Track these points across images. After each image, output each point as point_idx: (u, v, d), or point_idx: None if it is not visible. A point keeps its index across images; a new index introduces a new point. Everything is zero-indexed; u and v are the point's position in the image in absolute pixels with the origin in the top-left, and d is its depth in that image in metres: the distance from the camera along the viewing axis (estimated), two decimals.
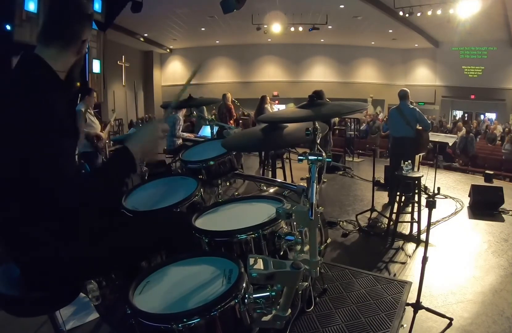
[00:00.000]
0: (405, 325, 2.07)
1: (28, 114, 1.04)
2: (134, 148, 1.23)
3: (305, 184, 1.58)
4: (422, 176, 3.61)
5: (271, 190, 2.17)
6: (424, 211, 2.86)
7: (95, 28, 8.20)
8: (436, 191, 4.42)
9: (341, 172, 6.28)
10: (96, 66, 8.53)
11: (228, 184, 4.84)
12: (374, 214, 4.09)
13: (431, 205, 2.07)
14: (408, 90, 4.78)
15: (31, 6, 5.87)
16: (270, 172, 5.00)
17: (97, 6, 7.91)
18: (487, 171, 6.11)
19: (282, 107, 13.73)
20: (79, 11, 1.19)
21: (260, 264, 1.06)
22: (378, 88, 18.21)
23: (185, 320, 0.95)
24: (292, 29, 13.44)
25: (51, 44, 1.17)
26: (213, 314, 0.97)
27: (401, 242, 3.56)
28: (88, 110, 4.74)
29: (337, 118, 7.13)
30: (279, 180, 2.29)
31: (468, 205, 4.59)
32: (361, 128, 10.84)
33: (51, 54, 1.17)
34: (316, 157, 1.24)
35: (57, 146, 1.08)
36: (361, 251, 3.42)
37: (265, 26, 13.23)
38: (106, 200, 1.26)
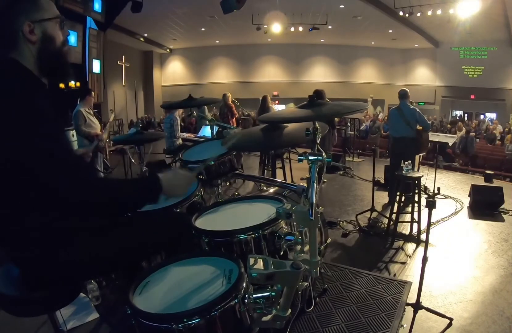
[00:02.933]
0: (405, 325, 2.07)
1: (13, 114, 1.04)
2: (164, 181, 1.22)
3: (305, 184, 1.58)
4: (422, 176, 3.61)
5: (271, 190, 2.18)
6: (424, 211, 2.87)
7: (95, 28, 8.21)
8: (436, 191, 4.44)
9: (341, 172, 6.28)
10: (96, 66, 8.53)
11: (228, 184, 4.86)
12: (374, 214, 4.09)
13: (431, 205, 2.07)
14: (408, 90, 4.79)
15: None
16: (270, 172, 5.01)
17: (97, 6, 7.91)
18: (487, 171, 6.12)
19: (282, 107, 13.74)
20: None
21: (260, 264, 1.06)
22: (378, 88, 18.22)
23: (185, 320, 0.95)
24: (292, 29, 13.43)
25: (9, 47, 1.15)
26: (213, 314, 0.97)
27: (401, 242, 3.56)
28: (87, 110, 4.77)
29: (337, 118, 7.14)
30: (279, 180, 2.29)
31: (468, 205, 4.59)
32: (361, 128, 10.84)
33: (18, 54, 1.15)
34: (316, 157, 1.24)
35: (50, 142, 1.07)
36: (361, 251, 3.41)
37: (265, 26, 13.22)
38: (110, 208, 1.23)
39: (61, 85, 6.83)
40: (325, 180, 5.42)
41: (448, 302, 2.52)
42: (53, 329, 1.48)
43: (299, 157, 1.26)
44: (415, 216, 3.65)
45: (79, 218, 1.21)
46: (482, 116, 16.48)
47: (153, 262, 1.44)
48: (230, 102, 7.23)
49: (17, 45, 1.15)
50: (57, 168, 1.06)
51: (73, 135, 5.18)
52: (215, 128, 2.83)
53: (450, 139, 5.43)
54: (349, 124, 8.87)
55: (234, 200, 1.73)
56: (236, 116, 7.63)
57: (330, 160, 1.26)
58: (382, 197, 4.80)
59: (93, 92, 5.00)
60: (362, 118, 12.07)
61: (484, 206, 4.40)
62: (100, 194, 1.12)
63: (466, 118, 16.72)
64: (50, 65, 1.22)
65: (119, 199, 1.17)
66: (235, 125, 7.55)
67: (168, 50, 18.40)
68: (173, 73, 18.90)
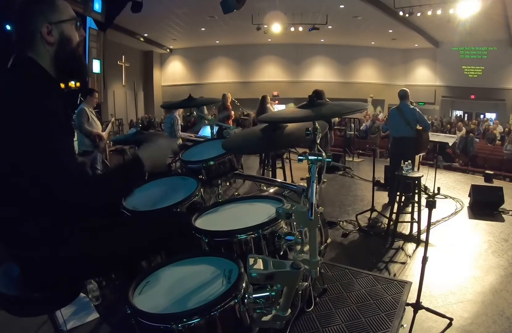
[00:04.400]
0: (405, 325, 2.07)
1: (27, 114, 1.05)
2: (146, 159, 1.26)
3: (305, 184, 1.58)
4: (422, 176, 3.62)
5: (271, 190, 2.17)
6: (424, 211, 2.87)
7: (95, 28, 8.21)
8: (436, 191, 4.44)
9: (341, 172, 6.28)
10: (96, 66, 8.53)
11: (228, 184, 4.85)
12: (374, 214, 4.09)
13: (431, 205, 2.07)
14: (408, 90, 4.78)
15: None
16: (270, 172, 5.00)
17: (97, 6, 7.91)
18: (487, 171, 6.12)
19: (282, 107, 13.74)
20: (15, 9, 1.16)
21: (260, 264, 1.06)
22: (378, 88, 18.21)
23: (185, 320, 0.95)
24: (292, 29, 13.43)
25: (27, 47, 1.17)
26: (213, 314, 0.97)
27: (401, 242, 3.56)
28: (90, 109, 4.78)
29: (337, 118, 7.13)
30: (279, 180, 2.29)
31: (468, 205, 4.59)
32: (361, 128, 10.84)
33: (35, 54, 1.17)
34: (316, 157, 1.24)
35: (56, 143, 1.08)
36: (361, 251, 3.42)
37: (265, 26, 13.22)
38: (108, 201, 1.27)
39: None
40: (325, 180, 5.42)
41: (448, 302, 2.52)
42: (53, 329, 1.48)
43: (299, 157, 1.26)
44: (415, 216, 3.65)
45: (79, 218, 1.22)
46: (482, 116, 16.47)
47: (153, 262, 1.44)
48: (229, 103, 7.21)
49: (36, 46, 1.17)
50: (57, 169, 1.06)
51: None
52: (215, 128, 2.82)
53: (450, 139, 5.44)
54: (352, 124, 8.85)
55: (234, 200, 1.72)
56: (232, 117, 7.60)
57: (330, 160, 1.26)
58: (382, 197, 4.80)
59: (96, 93, 5.01)
60: (362, 118, 12.07)
61: (484, 206, 4.40)
62: (96, 193, 1.15)
63: (466, 118, 16.71)
64: (67, 66, 1.24)
65: (113, 193, 1.23)
66: (232, 126, 7.52)
67: (168, 50, 18.39)
68: (173, 73, 18.88)
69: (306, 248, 1.25)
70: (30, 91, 1.08)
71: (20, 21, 1.16)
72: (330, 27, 13.80)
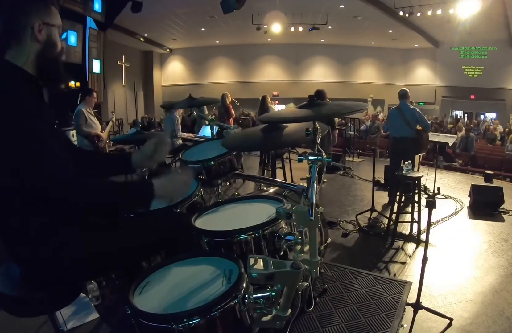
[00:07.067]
0: (405, 325, 2.07)
1: (11, 116, 1.05)
2: (159, 190, 1.21)
3: (305, 184, 1.58)
4: (422, 176, 3.61)
5: (271, 190, 2.17)
6: (424, 211, 2.87)
7: (95, 28, 8.21)
8: (436, 191, 4.44)
9: (341, 172, 6.28)
10: (96, 66, 8.53)
11: (228, 184, 4.86)
12: (374, 214, 4.09)
13: (431, 205, 2.07)
14: (408, 90, 4.78)
15: None
16: (270, 172, 5.00)
17: (97, 6, 7.92)
18: (487, 171, 6.11)
19: (282, 107, 13.74)
20: (11, 3, 1.17)
21: (260, 264, 1.06)
22: (378, 88, 18.21)
23: (185, 320, 0.95)
24: (292, 29, 13.44)
25: (8, 45, 1.17)
26: (213, 314, 0.97)
27: (401, 242, 3.56)
28: (88, 110, 4.78)
29: (337, 119, 7.14)
30: (279, 180, 2.29)
31: (468, 205, 4.59)
32: (361, 128, 10.83)
33: (13, 53, 1.17)
34: (316, 157, 1.24)
35: (43, 143, 1.08)
36: (361, 251, 3.41)
37: (265, 26, 13.22)
38: (99, 207, 1.22)
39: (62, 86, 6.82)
40: (325, 180, 5.41)
41: (448, 302, 2.52)
42: (53, 329, 1.48)
43: (299, 157, 1.26)
44: (415, 216, 3.65)
45: (79, 218, 1.21)
46: (482, 116, 16.47)
47: (153, 262, 1.44)
48: (228, 103, 7.21)
49: (22, 39, 1.17)
50: (39, 166, 1.06)
51: (73, 135, 5.20)
52: (215, 128, 2.83)
53: (450, 139, 5.43)
54: (349, 124, 8.84)
55: (234, 200, 1.72)
56: (233, 116, 7.60)
57: (330, 160, 1.26)
58: (382, 197, 4.80)
59: (94, 93, 5.02)
60: (362, 118, 12.06)
61: (484, 206, 4.40)
62: (83, 194, 1.11)
63: (466, 118, 16.70)
64: (47, 68, 1.23)
65: (104, 200, 1.16)
66: (233, 125, 7.52)
67: (168, 50, 18.39)
68: (173, 73, 18.88)
69: (306, 248, 1.25)
70: (8, 93, 1.07)
71: (14, 13, 1.16)
72: (330, 27, 13.80)
